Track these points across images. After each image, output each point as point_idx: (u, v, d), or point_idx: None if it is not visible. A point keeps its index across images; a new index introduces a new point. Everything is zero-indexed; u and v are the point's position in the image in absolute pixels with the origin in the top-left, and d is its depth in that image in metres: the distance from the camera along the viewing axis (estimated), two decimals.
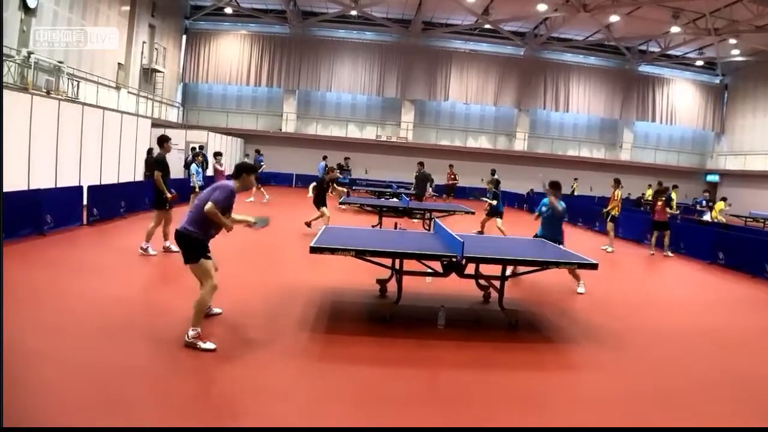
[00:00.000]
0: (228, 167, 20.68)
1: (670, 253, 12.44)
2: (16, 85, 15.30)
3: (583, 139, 32.80)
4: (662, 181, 17.28)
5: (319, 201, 11.94)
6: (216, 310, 5.60)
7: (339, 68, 30.48)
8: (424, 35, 30.38)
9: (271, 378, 4.30)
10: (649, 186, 27.44)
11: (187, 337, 4.62)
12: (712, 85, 32.79)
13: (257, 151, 20.69)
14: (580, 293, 7.75)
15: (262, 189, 18.06)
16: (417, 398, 4.18)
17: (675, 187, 16.59)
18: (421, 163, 18.00)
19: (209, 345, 4.61)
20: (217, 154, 16.17)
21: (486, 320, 6.46)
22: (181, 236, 4.87)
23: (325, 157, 21.16)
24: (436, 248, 6.05)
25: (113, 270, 7.40)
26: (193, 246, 4.81)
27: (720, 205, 18.77)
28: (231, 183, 5.00)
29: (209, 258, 4.89)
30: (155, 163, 8.69)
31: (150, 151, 17.02)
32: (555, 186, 8.05)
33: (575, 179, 26.44)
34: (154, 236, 8.48)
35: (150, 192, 13.39)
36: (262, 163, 19.65)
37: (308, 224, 12.01)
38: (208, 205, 4.71)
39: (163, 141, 8.54)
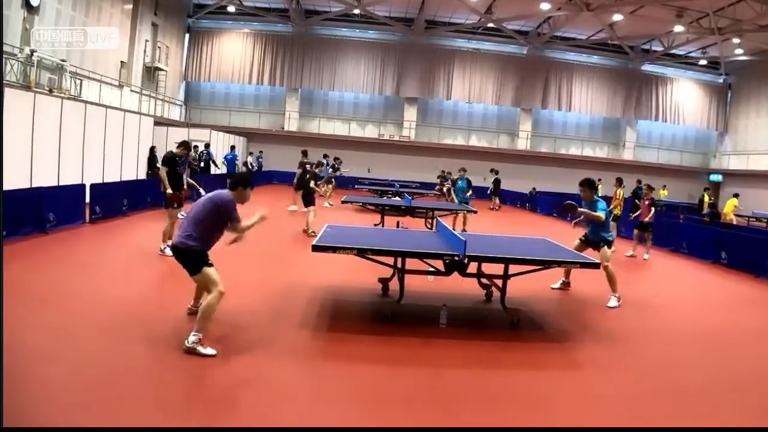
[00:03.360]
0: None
1: (646, 255, 11.83)
2: (18, 83, 15.33)
3: (585, 138, 32.76)
4: (641, 179, 17.30)
5: (307, 198, 11.84)
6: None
7: (342, 67, 30.48)
8: (426, 34, 30.35)
9: (273, 377, 4.29)
10: (664, 187, 27.57)
11: (188, 342, 4.47)
12: (715, 85, 32.70)
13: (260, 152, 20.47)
14: (611, 307, 7.13)
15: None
16: (419, 397, 4.17)
17: (663, 186, 16.66)
18: (303, 152, 17.80)
19: (209, 350, 4.47)
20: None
21: (488, 319, 6.45)
22: (179, 251, 4.71)
23: (325, 156, 21.14)
24: (438, 247, 6.04)
25: (115, 268, 7.41)
26: (194, 259, 4.68)
27: (734, 201, 18.66)
28: (229, 195, 4.85)
29: (211, 265, 4.74)
30: (163, 160, 8.77)
31: (152, 149, 17.04)
32: (588, 184, 7.59)
33: (599, 179, 26.33)
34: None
35: (153, 190, 13.53)
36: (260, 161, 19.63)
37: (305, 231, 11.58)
38: (239, 226, 4.87)
39: (180, 145, 8.73)
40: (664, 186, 27.84)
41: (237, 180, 5.01)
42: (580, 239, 7.73)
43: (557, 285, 7.99)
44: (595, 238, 7.53)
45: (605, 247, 7.43)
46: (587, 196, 7.59)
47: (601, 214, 7.35)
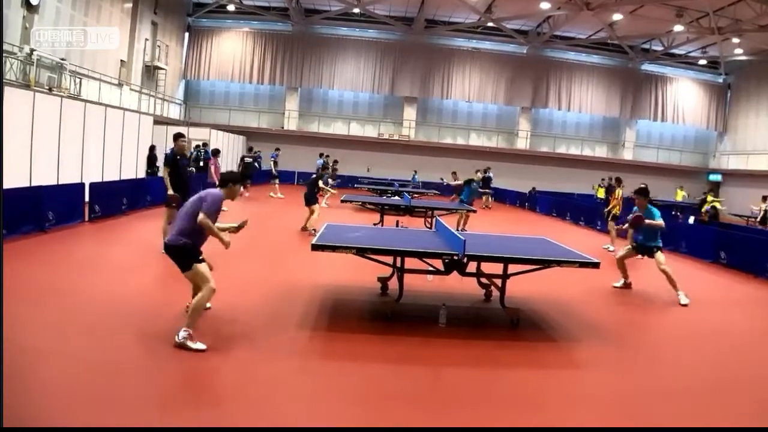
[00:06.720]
0: (228, 165, 20.73)
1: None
2: (18, 81, 15.30)
3: (585, 137, 32.75)
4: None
5: (311, 199, 11.73)
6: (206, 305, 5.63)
7: (341, 66, 30.44)
8: (426, 33, 30.32)
9: (272, 376, 4.30)
10: (681, 188, 27.41)
11: (178, 337, 4.52)
12: (715, 84, 32.69)
13: (276, 149, 21.10)
14: (684, 305, 7.47)
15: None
16: (418, 396, 4.18)
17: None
18: (249, 148, 19.85)
19: (199, 345, 4.51)
20: (216, 152, 16.27)
21: (487, 318, 6.45)
22: (170, 248, 4.81)
23: (321, 155, 21.21)
24: (438, 246, 6.04)
25: (114, 267, 7.40)
26: (185, 255, 4.76)
27: (714, 200, 19.19)
28: (220, 192, 4.97)
29: (202, 261, 4.82)
30: (165, 160, 8.64)
31: (152, 148, 17.02)
32: (642, 192, 7.93)
33: (602, 179, 26.20)
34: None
35: (152, 189, 13.54)
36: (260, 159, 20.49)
37: (305, 228, 11.55)
38: (201, 216, 4.68)
39: (176, 137, 8.58)
40: (681, 187, 27.35)
41: (226, 178, 5.14)
42: (632, 246, 8.07)
43: (619, 284, 8.30)
44: (648, 244, 7.82)
45: (659, 252, 7.73)
46: (642, 204, 7.85)
47: (662, 222, 7.72)
